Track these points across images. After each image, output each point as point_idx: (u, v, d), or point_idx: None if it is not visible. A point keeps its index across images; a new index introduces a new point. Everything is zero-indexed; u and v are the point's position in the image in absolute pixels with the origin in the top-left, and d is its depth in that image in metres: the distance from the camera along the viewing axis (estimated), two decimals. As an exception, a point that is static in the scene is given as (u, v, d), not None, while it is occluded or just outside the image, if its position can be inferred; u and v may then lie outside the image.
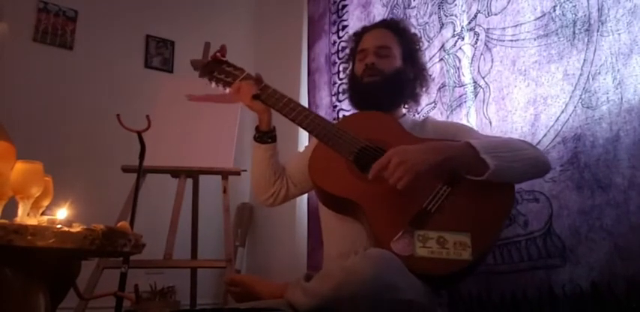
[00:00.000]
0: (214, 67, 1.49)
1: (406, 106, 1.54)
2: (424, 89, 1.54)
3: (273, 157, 1.47)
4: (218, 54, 1.50)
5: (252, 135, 1.48)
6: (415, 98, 1.52)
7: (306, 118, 1.36)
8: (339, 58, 2.50)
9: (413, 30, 2.08)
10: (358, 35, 1.56)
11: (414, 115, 1.95)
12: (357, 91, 1.49)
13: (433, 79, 1.95)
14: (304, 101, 2.71)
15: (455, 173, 1.21)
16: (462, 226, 1.15)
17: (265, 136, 1.46)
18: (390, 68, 1.45)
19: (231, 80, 1.45)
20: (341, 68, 2.47)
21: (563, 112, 1.48)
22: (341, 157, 1.29)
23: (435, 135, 1.37)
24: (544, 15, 1.58)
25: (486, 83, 1.73)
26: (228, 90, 1.47)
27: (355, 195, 1.23)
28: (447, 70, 1.90)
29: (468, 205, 1.19)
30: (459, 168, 1.20)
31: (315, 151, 1.35)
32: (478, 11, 1.81)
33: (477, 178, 1.18)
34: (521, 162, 1.20)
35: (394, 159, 1.13)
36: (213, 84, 1.48)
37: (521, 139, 1.55)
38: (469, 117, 1.78)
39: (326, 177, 1.29)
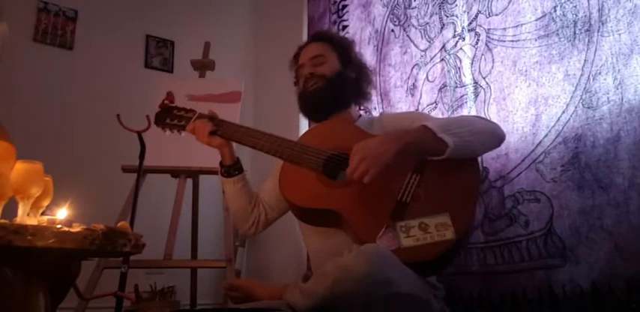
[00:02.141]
0: (165, 115, 1.50)
1: (361, 107, 1.56)
2: (370, 86, 1.57)
3: (245, 187, 1.47)
4: (166, 101, 1.51)
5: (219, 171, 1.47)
6: (365, 96, 1.55)
7: (267, 143, 1.37)
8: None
9: (414, 30, 2.09)
10: (295, 57, 1.60)
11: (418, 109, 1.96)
12: (305, 101, 1.51)
13: (434, 80, 1.96)
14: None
15: (420, 160, 1.24)
16: (439, 208, 1.18)
17: (231, 169, 1.45)
18: (330, 72, 1.48)
19: (185, 123, 1.46)
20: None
21: (564, 112, 1.48)
22: (309, 171, 1.31)
23: (394, 128, 1.38)
24: (545, 15, 1.58)
25: (487, 83, 1.73)
26: (183, 134, 1.48)
27: (332, 204, 1.25)
28: (448, 71, 1.90)
29: (439, 187, 1.22)
30: (421, 151, 1.23)
31: (284, 172, 1.36)
32: (479, 12, 1.81)
33: (439, 158, 1.20)
34: (477, 135, 1.24)
35: (357, 155, 1.15)
36: (168, 131, 1.49)
37: (521, 139, 1.56)
38: (469, 117, 1.78)
39: (299, 193, 1.31)
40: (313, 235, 1.40)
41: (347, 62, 1.53)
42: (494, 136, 1.30)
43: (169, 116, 1.49)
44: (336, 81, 1.47)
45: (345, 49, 1.56)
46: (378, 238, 1.16)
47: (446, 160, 1.20)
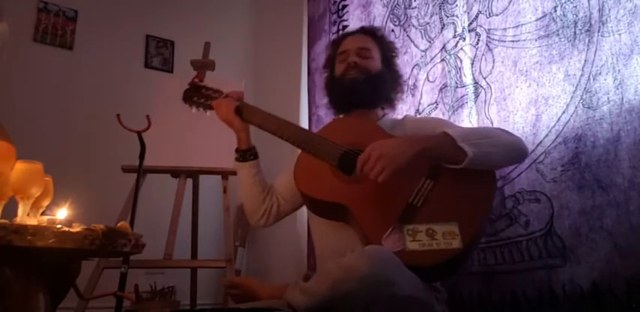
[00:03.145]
0: (193, 92, 1.53)
1: (384, 110, 1.56)
2: (399, 95, 1.56)
3: (259, 174, 1.47)
4: (196, 80, 1.54)
5: (235, 157, 1.48)
6: (391, 103, 1.54)
7: (287, 130, 1.38)
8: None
9: (414, 30, 2.09)
10: (337, 41, 1.58)
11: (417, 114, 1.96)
12: (339, 88, 1.49)
13: (434, 80, 1.96)
14: (304, 101, 2.71)
15: (436, 166, 1.23)
16: (449, 216, 1.17)
17: (247, 154, 1.46)
18: (374, 67, 1.47)
19: (211, 103, 1.49)
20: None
21: (564, 112, 1.48)
22: (325, 164, 1.31)
23: (415, 132, 1.38)
24: (545, 15, 1.58)
25: (488, 84, 1.73)
26: (209, 113, 1.51)
27: (343, 198, 1.25)
28: (449, 71, 1.90)
29: (452, 195, 1.21)
30: (438, 157, 1.22)
31: (299, 162, 1.36)
32: (479, 12, 1.81)
33: (456, 166, 1.19)
34: (498, 148, 1.23)
35: (373, 153, 1.15)
36: (194, 109, 1.53)
37: (522, 138, 1.56)
38: (470, 117, 1.78)
39: (312, 184, 1.31)
40: (321, 228, 1.40)
41: (388, 66, 1.52)
42: (516, 150, 1.28)
43: (197, 94, 1.52)
44: (376, 80, 1.46)
45: (389, 53, 1.55)
46: (384, 238, 1.16)
47: (463, 170, 1.19)
